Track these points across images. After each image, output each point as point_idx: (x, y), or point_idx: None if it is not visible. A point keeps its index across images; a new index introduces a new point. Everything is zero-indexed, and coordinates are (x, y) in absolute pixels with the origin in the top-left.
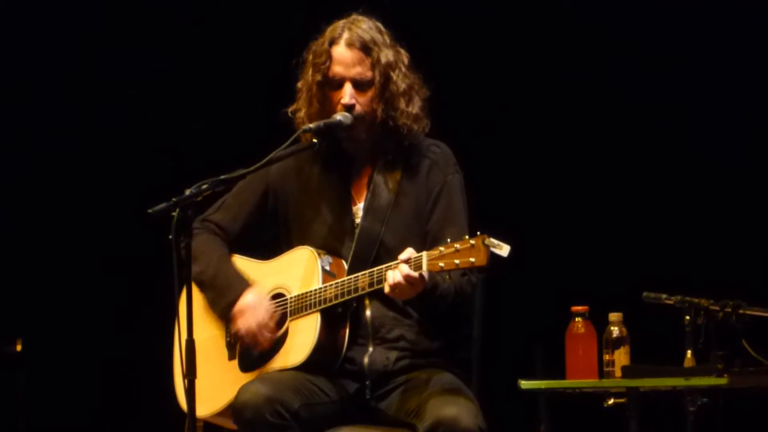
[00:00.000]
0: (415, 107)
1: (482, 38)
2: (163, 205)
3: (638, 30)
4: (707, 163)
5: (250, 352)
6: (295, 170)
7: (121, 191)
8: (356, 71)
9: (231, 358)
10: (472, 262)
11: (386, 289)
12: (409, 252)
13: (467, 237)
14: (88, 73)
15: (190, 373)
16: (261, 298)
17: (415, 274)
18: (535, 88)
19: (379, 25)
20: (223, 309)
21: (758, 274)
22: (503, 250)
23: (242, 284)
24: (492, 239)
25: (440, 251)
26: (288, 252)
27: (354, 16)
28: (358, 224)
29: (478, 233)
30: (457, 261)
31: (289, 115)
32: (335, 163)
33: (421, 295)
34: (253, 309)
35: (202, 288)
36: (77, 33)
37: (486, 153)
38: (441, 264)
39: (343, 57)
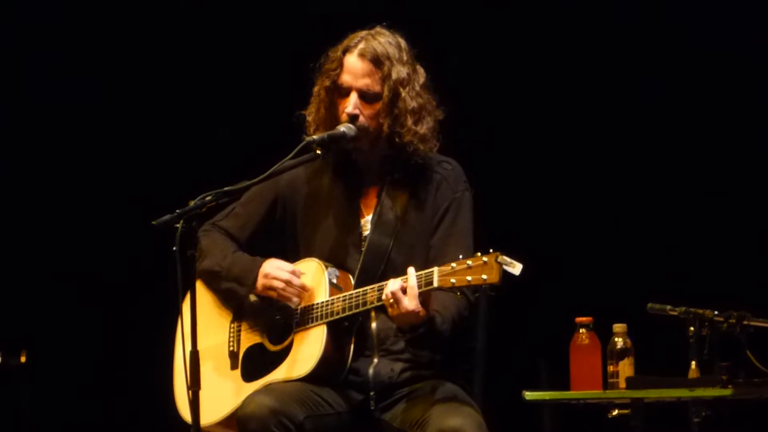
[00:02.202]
0: (424, 127)
1: (495, 55)
2: (166, 217)
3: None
4: (710, 174)
5: (290, 310)
6: (304, 179)
7: (124, 205)
8: (364, 83)
9: (233, 367)
10: (485, 279)
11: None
12: (411, 272)
13: (480, 254)
14: (93, 75)
15: (195, 385)
16: (279, 261)
17: (415, 287)
18: (537, 103)
19: (401, 40)
20: (247, 292)
21: (762, 285)
22: (516, 268)
23: (258, 264)
24: (505, 257)
25: (452, 267)
26: (295, 264)
27: (377, 29)
28: (365, 237)
29: (491, 250)
30: (469, 277)
31: (306, 116)
32: (345, 174)
33: (417, 327)
34: (276, 267)
35: (218, 280)
36: (78, 33)
37: (489, 164)
38: (452, 280)
39: (353, 67)
